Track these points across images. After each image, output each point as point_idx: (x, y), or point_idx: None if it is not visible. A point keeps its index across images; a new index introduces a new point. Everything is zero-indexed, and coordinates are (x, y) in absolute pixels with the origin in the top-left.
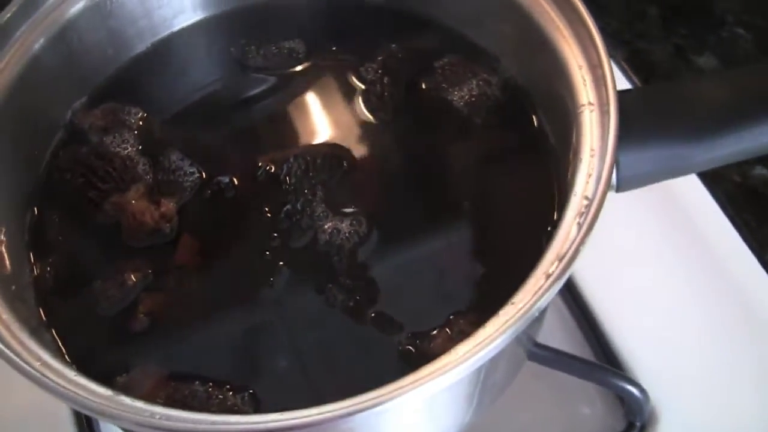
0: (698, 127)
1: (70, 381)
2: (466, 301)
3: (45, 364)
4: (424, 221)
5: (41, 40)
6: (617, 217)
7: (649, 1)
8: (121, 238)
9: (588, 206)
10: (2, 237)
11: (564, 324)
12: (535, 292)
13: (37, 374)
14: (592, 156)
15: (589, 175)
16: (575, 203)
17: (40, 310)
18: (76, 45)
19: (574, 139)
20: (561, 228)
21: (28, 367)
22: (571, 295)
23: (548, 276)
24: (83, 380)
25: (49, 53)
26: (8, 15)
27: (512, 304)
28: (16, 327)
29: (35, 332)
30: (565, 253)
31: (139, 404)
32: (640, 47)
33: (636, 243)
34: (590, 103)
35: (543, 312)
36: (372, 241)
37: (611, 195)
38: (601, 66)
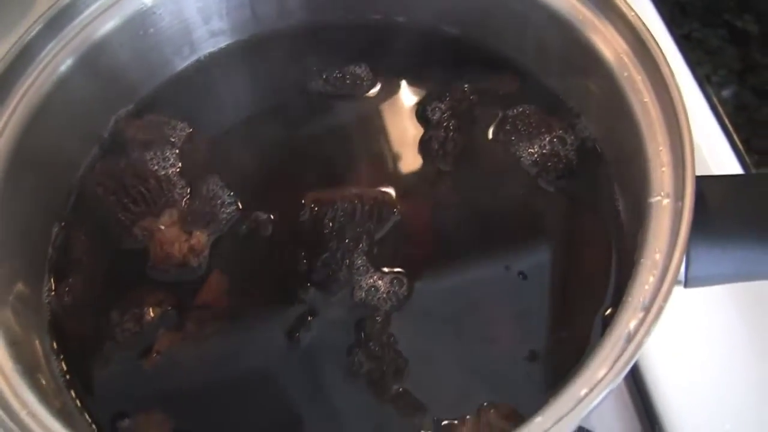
0: None
1: None
2: (501, 389)
3: (31, 414)
4: (468, 291)
5: (69, 61)
6: (693, 297)
7: None
8: (146, 266)
9: (643, 317)
10: (17, 254)
11: (619, 402)
12: (574, 405)
13: (17, 428)
14: (657, 257)
15: (650, 282)
16: (629, 309)
17: (52, 335)
18: (117, 57)
19: (641, 232)
20: (611, 335)
21: (8, 419)
22: (631, 373)
23: (591, 388)
24: None
25: (80, 70)
26: (32, 34)
27: (545, 413)
28: (9, 367)
29: (32, 371)
30: (611, 367)
31: None
32: (748, 101)
33: (710, 328)
34: (665, 194)
35: None
36: (410, 306)
37: (678, 288)
38: (682, 154)
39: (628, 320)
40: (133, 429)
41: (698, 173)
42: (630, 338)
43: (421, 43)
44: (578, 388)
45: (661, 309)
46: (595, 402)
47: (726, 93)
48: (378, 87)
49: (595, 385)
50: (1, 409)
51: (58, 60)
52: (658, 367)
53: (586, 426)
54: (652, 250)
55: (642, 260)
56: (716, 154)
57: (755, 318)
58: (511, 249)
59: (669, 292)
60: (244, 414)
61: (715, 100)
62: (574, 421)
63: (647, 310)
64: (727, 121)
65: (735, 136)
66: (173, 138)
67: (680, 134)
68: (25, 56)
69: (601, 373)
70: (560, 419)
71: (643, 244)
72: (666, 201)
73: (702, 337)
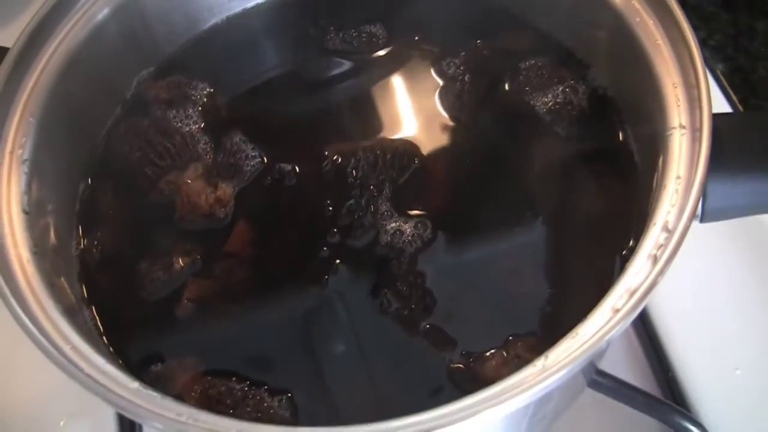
0: None
1: (97, 369)
2: (527, 323)
3: (75, 348)
4: (490, 232)
5: (105, 10)
6: (703, 244)
7: (758, 15)
8: (173, 218)
9: (667, 239)
10: (49, 207)
11: (631, 352)
12: (601, 327)
13: (64, 359)
14: (677, 184)
15: (672, 205)
16: (654, 234)
17: (83, 286)
18: (143, 16)
19: (660, 163)
20: (636, 259)
21: (54, 351)
22: (642, 322)
23: (617, 311)
24: (112, 369)
25: (113, 23)
26: None
27: (576, 336)
28: (50, 305)
29: (71, 312)
30: (637, 288)
31: (167, 402)
32: (742, 64)
33: (720, 275)
34: (682, 126)
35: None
36: (435, 247)
37: (694, 224)
38: (698, 87)
39: (653, 244)
40: (166, 373)
41: None
42: (656, 260)
43: (433, 2)
44: (607, 307)
45: (686, 229)
46: (625, 322)
47: (722, 56)
48: (393, 44)
49: (624, 304)
50: (49, 343)
51: (95, 9)
52: (669, 315)
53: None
54: (673, 177)
55: (663, 188)
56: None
57: (766, 262)
58: (530, 192)
59: (693, 212)
60: (277, 354)
61: (712, 63)
62: (603, 340)
63: (672, 231)
64: (725, 82)
65: (733, 97)
66: (195, 97)
67: (694, 69)
68: (63, 3)
69: (629, 293)
70: (594, 335)
71: (663, 173)
72: (683, 132)
73: (713, 285)
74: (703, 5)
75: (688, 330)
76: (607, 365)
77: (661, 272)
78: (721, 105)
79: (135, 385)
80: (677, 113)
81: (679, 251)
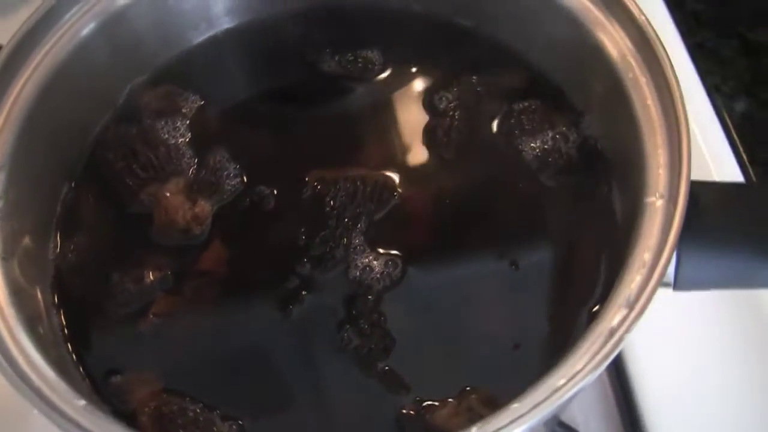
0: None
1: (47, 384)
2: (485, 375)
3: (29, 361)
4: (460, 278)
5: (91, 25)
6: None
7: None
8: (150, 231)
9: (626, 316)
10: (26, 212)
11: (604, 402)
12: (555, 390)
13: (14, 374)
14: (647, 255)
15: (638, 277)
16: (615, 304)
17: (55, 291)
18: (133, 29)
19: (635, 228)
20: (596, 328)
21: (7, 365)
22: (617, 372)
23: (572, 376)
24: (61, 384)
25: (101, 37)
26: None
27: (523, 400)
28: (11, 314)
29: (33, 321)
30: (591, 359)
31: (110, 424)
32: (754, 114)
33: (702, 334)
34: (660, 193)
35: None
36: (402, 288)
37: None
38: (680, 156)
39: (613, 316)
40: (124, 386)
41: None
42: (612, 333)
43: (434, 32)
44: (556, 378)
45: (644, 307)
46: (571, 393)
47: (734, 103)
48: (388, 72)
49: (573, 377)
50: (1, 355)
51: (80, 23)
52: (646, 372)
53: (569, 423)
54: (642, 249)
55: (631, 258)
56: (720, 163)
57: (745, 326)
58: (506, 240)
59: (654, 291)
60: (233, 379)
61: (722, 110)
62: (549, 408)
63: (631, 307)
64: (733, 132)
65: (740, 147)
66: (185, 109)
67: (679, 137)
68: (49, 17)
69: (580, 365)
70: (536, 406)
71: (634, 242)
72: (660, 202)
73: (691, 345)
74: (721, 49)
75: (664, 387)
76: (576, 414)
77: (615, 347)
78: (727, 156)
79: (82, 402)
80: (656, 179)
81: (637, 326)
